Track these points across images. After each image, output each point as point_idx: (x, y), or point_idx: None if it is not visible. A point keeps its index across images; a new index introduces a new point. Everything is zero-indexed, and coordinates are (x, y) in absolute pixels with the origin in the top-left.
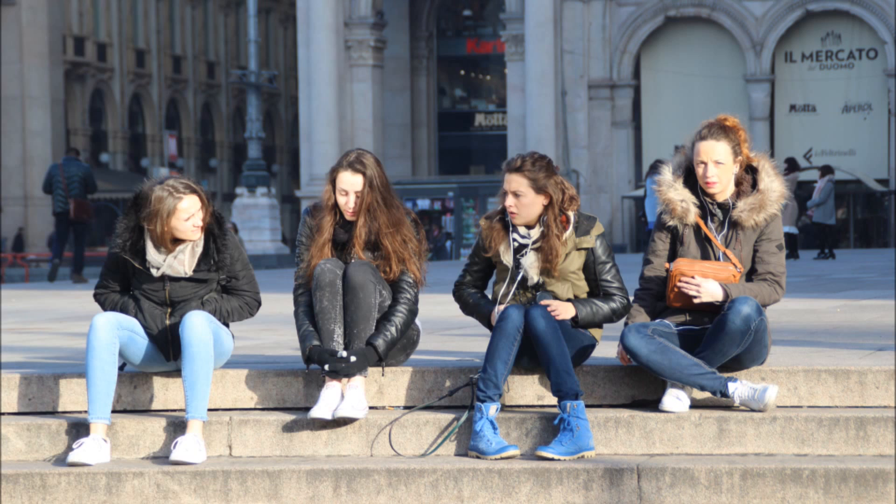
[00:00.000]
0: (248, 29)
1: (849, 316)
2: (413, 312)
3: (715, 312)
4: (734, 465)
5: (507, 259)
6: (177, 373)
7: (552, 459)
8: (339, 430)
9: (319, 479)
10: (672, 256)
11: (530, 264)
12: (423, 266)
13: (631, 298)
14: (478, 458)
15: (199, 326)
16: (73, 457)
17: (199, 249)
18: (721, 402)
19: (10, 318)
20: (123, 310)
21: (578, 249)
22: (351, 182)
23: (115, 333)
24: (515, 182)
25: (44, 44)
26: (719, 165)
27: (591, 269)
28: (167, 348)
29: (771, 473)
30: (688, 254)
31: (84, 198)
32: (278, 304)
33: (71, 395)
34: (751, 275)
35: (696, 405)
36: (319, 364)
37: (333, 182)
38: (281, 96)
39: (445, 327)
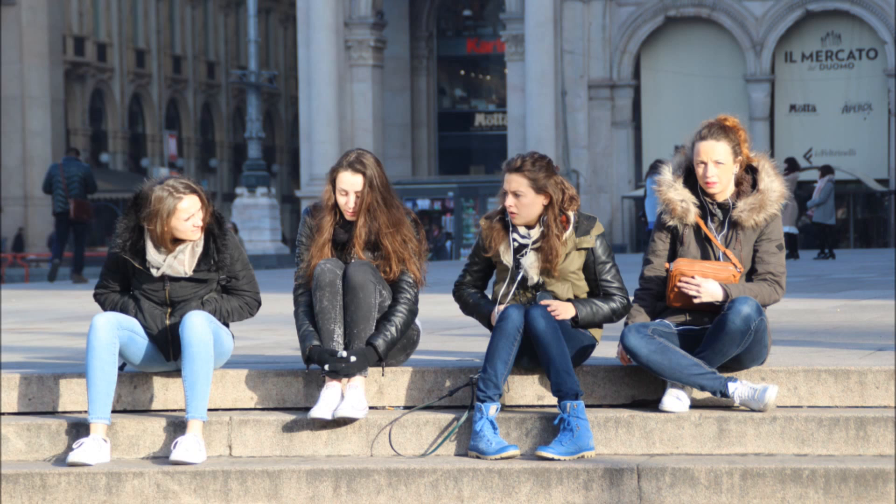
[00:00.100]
0: (248, 29)
1: (849, 316)
2: (413, 312)
3: (715, 312)
4: (734, 465)
5: (507, 259)
6: (177, 373)
7: (552, 459)
8: (339, 430)
9: (319, 479)
10: (672, 256)
11: (530, 264)
12: (423, 266)
13: (631, 298)
14: (478, 458)
15: (199, 326)
16: (73, 457)
17: (199, 249)
18: (721, 402)
19: (10, 318)
20: (123, 310)
21: (578, 249)
22: (351, 182)
23: (115, 333)
24: (515, 182)
25: (44, 44)
26: (719, 165)
27: (591, 269)
28: (167, 348)
29: (771, 473)
30: (688, 254)
31: (84, 198)
32: (278, 304)
33: (71, 395)
34: (751, 275)
35: (696, 405)
36: (319, 364)
37: (333, 182)
38: (281, 96)
39: (445, 327)
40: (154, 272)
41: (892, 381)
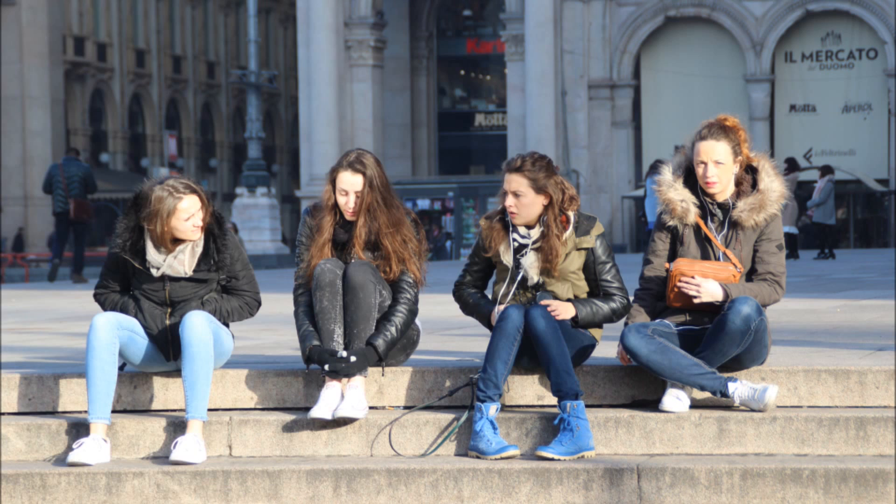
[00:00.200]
0: (248, 29)
1: (849, 316)
2: (413, 312)
3: (715, 312)
4: (734, 465)
5: (507, 259)
6: (177, 373)
7: (552, 459)
8: (339, 430)
9: (319, 479)
10: (672, 256)
11: (530, 264)
12: (423, 266)
13: (631, 298)
14: (478, 458)
15: (199, 326)
16: (73, 457)
17: (199, 249)
18: (721, 402)
19: (10, 318)
20: (123, 310)
21: (578, 249)
22: (351, 182)
23: (115, 333)
24: (515, 182)
25: (44, 44)
26: (719, 165)
27: (591, 269)
28: (167, 348)
29: (771, 473)
30: (688, 254)
31: (84, 198)
32: (278, 304)
33: (71, 395)
34: (751, 275)
35: (696, 405)
36: (319, 364)
37: (333, 182)
38: (281, 96)
39: (445, 327)
40: (154, 272)
41: (892, 381)
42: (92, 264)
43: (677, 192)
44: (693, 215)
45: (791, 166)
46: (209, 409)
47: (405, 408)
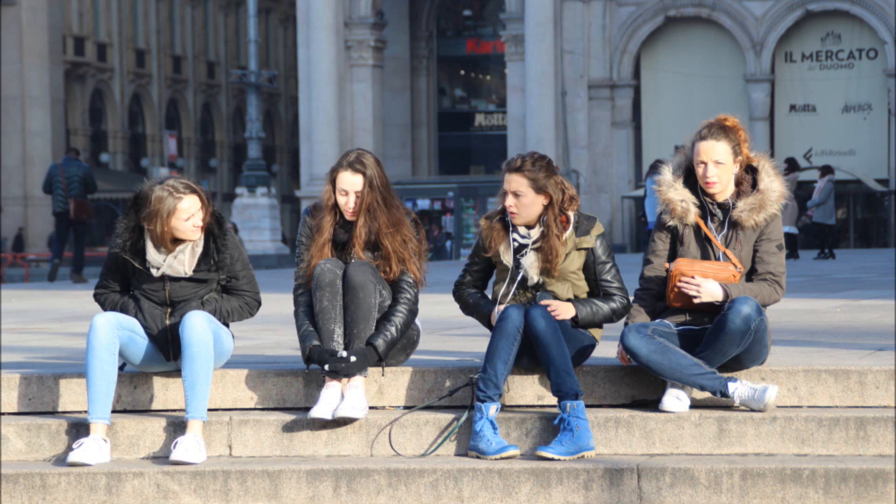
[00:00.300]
0: (248, 29)
1: (849, 316)
2: (413, 312)
3: (715, 312)
4: (734, 465)
5: (507, 259)
6: (177, 373)
7: (552, 459)
8: (339, 430)
9: (319, 479)
10: (672, 256)
11: (530, 264)
12: (423, 266)
13: (631, 298)
14: (478, 458)
15: (199, 326)
16: (73, 457)
17: (199, 249)
18: (721, 402)
19: (10, 318)
20: (123, 310)
21: (578, 249)
22: (351, 182)
23: (115, 333)
24: (515, 182)
25: (44, 44)
26: (719, 165)
27: (591, 269)
28: (167, 348)
29: (771, 473)
30: (688, 254)
31: (84, 198)
32: (278, 304)
33: (71, 395)
34: (751, 275)
35: (696, 405)
36: (319, 364)
37: (333, 182)
38: (281, 96)
39: (445, 327)
40: (154, 272)
41: (892, 381)
42: (92, 264)
43: (677, 192)
44: (693, 215)
45: (791, 166)
46: (209, 409)
47: (405, 408)
